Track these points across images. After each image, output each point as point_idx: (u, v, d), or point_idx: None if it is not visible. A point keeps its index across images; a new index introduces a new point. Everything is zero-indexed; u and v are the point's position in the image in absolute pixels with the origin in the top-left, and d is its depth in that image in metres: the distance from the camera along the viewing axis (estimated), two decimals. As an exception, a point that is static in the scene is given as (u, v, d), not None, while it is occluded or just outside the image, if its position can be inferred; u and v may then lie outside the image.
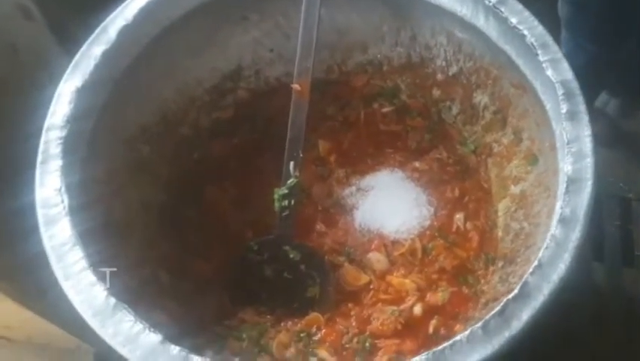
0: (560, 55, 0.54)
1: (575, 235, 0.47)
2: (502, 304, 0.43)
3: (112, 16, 0.60)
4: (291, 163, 0.63)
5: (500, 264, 0.61)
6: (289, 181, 0.63)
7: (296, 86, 0.62)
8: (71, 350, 0.86)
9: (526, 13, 0.58)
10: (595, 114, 1.00)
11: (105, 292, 0.45)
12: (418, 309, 0.61)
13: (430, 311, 0.62)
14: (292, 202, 0.63)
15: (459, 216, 0.67)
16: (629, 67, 1.06)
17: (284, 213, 0.64)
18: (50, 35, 0.73)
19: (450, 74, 0.70)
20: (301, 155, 0.63)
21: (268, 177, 0.70)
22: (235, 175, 0.72)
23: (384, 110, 0.74)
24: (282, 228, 0.65)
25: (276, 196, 0.64)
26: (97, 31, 0.59)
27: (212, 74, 0.72)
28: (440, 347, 0.42)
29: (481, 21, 0.61)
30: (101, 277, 0.46)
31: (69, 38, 0.73)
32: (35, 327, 0.81)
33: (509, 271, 0.59)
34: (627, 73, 1.09)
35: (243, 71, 0.73)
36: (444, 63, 0.69)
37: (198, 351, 0.44)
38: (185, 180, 0.70)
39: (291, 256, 0.65)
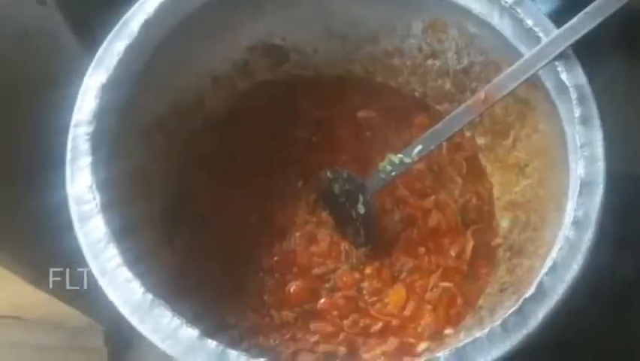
0: (575, 59, 0.56)
1: (588, 236, 0.49)
2: (519, 303, 0.46)
3: (132, 10, 0.59)
4: (419, 147, 0.62)
5: (508, 255, 0.64)
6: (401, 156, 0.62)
7: (481, 95, 0.60)
8: (83, 329, 0.87)
9: (542, 16, 0.59)
10: None
11: (142, 289, 0.47)
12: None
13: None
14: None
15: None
16: None
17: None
18: (63, 21, 0.73)
19: (460, 67, 0.71)
20: (432, 148, 0.61)
21: (279, 174, 0.71)
22: (245, 170, 0.72)
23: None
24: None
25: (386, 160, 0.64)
26: (118, 26, 0.59)
27: (224, 64, 0.73)
28: (462, 344, 0.45)
29: (495, 19, 0.62)
30: (137, 274, 0.47)
31: (82, 25, 0.73)
32: (48, 307, 0.83)
33: (516, 263, 0.62)
34: None
35: (254, 61, 0.74)
36: (455, 56, 0.71)
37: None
38: (197, 174, 0.70)
39: None
